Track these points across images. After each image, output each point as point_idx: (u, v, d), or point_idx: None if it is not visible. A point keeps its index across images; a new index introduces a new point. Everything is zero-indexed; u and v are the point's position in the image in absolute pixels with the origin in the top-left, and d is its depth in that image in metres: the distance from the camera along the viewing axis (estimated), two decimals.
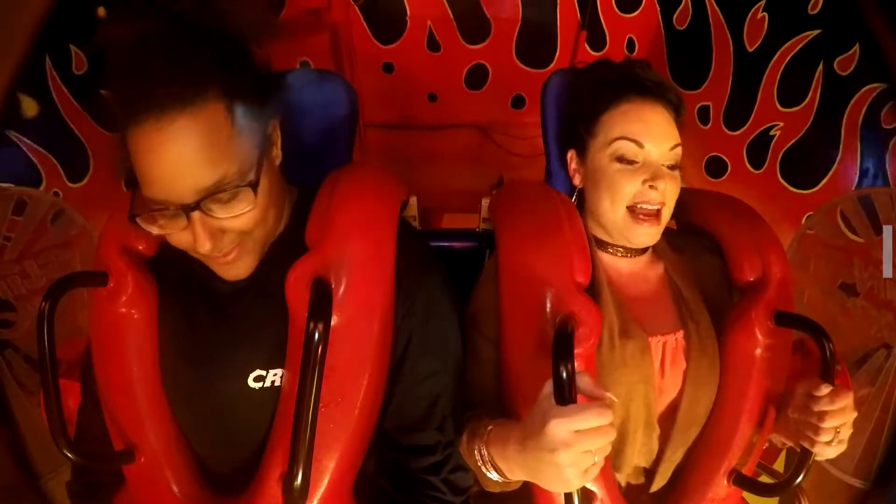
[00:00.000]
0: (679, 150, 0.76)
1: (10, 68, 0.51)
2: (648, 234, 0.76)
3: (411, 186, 0.81)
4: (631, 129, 0.75)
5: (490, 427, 0.65)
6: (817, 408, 0.66)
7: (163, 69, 0.55)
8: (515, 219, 0.77)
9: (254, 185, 0.60)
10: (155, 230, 0.61)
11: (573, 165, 0.83)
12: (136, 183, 0.59)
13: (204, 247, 0.60)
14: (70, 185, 1.13)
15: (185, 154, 0.55)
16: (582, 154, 0.81)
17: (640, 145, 0.75)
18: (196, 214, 0.58)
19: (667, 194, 0.75)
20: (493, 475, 0.65)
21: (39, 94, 1.05)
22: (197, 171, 0.56)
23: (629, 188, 0.75)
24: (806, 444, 0.68)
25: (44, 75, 1.05)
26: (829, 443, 0.66)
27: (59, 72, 1.08)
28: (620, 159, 0.75)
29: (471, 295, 0.79)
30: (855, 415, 0.67)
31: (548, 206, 0.77)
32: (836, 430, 0.66)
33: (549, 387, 0.56)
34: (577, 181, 0.83)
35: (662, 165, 0.75)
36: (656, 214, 0.75)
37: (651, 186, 0.74)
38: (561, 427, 0.52)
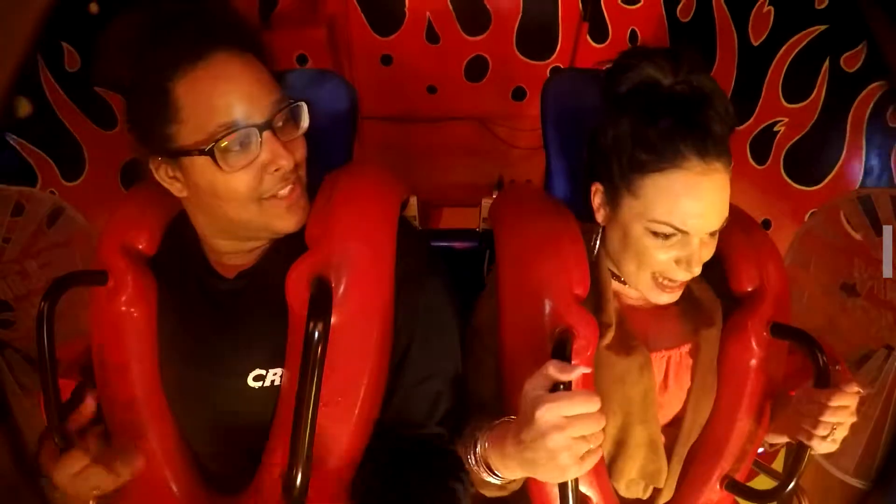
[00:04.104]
0: (726, 220, 0.67)
1: (10, 69, 0.50)
2: (671, 298, 0.73)
3: (411, 180, 0.80)
4: (678, 213, 0.64)
5: (487, 429, 0.65)
6: (819, 401, 0.66)
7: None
8: (515, 230, 0.76)
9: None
10: (231, 164, 0.61)
11: (597, 201, 0.72)
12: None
13: (289, 161, 0.62)
14: (66, 183, 1.12)
15: (254, 77, 0.62)
16: (611, 199, 0.71)
17: (683, 233, 0.66)
18: (268, 133, 0.62)
19: (700, 266, 0.68)
20: (491, 479, 0.65)
21: (32, 92, 1.03)
22: (266, 87, 0.63)
23: (659, 263, 0.68)
24: (802, 438, 0.69)
25: (36, 73, 1.04)
26: (824, 437, 0.67)
27: (52, 69, 1.06)
28: (656, 234, 0.67)
29: (475, 307, 0.78)
30: (854, 419, 0.67)
31: (547, 217, 0.76)
32: (832, 427, 0.66)
33: (536, 378, 0.56)
34: (600, 218, 0.73)
35: (704, 235, 0.67)
36: (683, 283, 0.71)
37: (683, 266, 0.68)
38: (551, 411, 0.52)
